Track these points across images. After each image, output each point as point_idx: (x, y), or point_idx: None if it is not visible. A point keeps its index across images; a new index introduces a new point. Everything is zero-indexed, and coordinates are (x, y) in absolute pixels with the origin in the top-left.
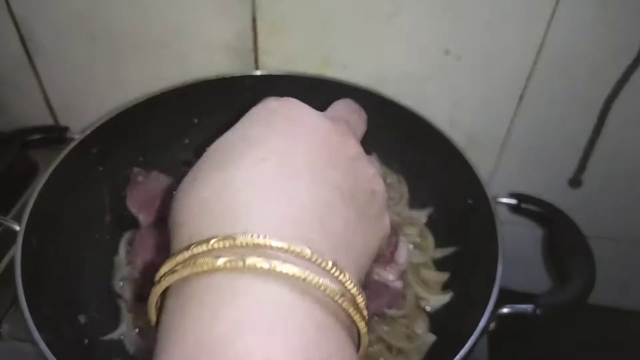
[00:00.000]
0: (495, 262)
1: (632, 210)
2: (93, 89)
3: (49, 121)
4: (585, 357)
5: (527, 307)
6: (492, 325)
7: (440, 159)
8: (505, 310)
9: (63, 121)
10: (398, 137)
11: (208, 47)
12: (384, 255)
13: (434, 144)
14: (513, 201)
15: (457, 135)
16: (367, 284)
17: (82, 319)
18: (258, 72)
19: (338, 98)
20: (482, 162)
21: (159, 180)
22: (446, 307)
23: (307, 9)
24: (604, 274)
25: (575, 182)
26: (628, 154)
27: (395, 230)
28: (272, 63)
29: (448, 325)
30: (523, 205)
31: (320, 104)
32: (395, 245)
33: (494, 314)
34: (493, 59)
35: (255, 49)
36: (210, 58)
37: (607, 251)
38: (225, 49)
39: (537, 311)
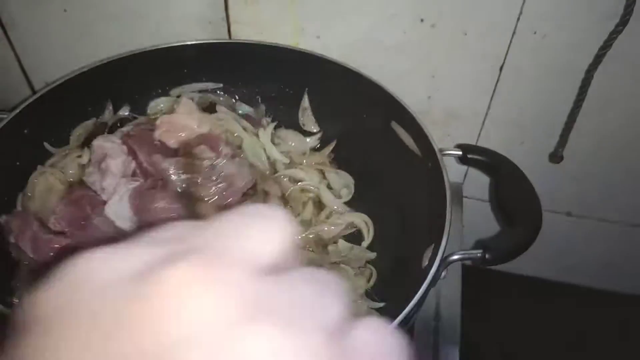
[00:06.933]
0: (443, 214)
1: (616, 187)
2: (68, 61)
3: (27, 93)
4: (561, 334)
5: (477, 252)
6: (444, 274)
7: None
8: (455, 256)
9: None
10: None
11: (181, 17)
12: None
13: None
14: (458, 152)
15: (436, 110)
16: None
17: None
18: (230, 41)
19: (310, 70)
20: (462, 137)
21: None
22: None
23: None
24: (589, 255)
25: (555, 157)
26: (611, 127)
27: None
28: (245, 33)
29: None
30: (469, 156)
31: (293, 75)
32: None
33: (445, 261)
34: (470, 27)
35: (227, 19)
36: (184, 28)
37: (592, 232)
38: (197, 19)
39: (487, 256)
